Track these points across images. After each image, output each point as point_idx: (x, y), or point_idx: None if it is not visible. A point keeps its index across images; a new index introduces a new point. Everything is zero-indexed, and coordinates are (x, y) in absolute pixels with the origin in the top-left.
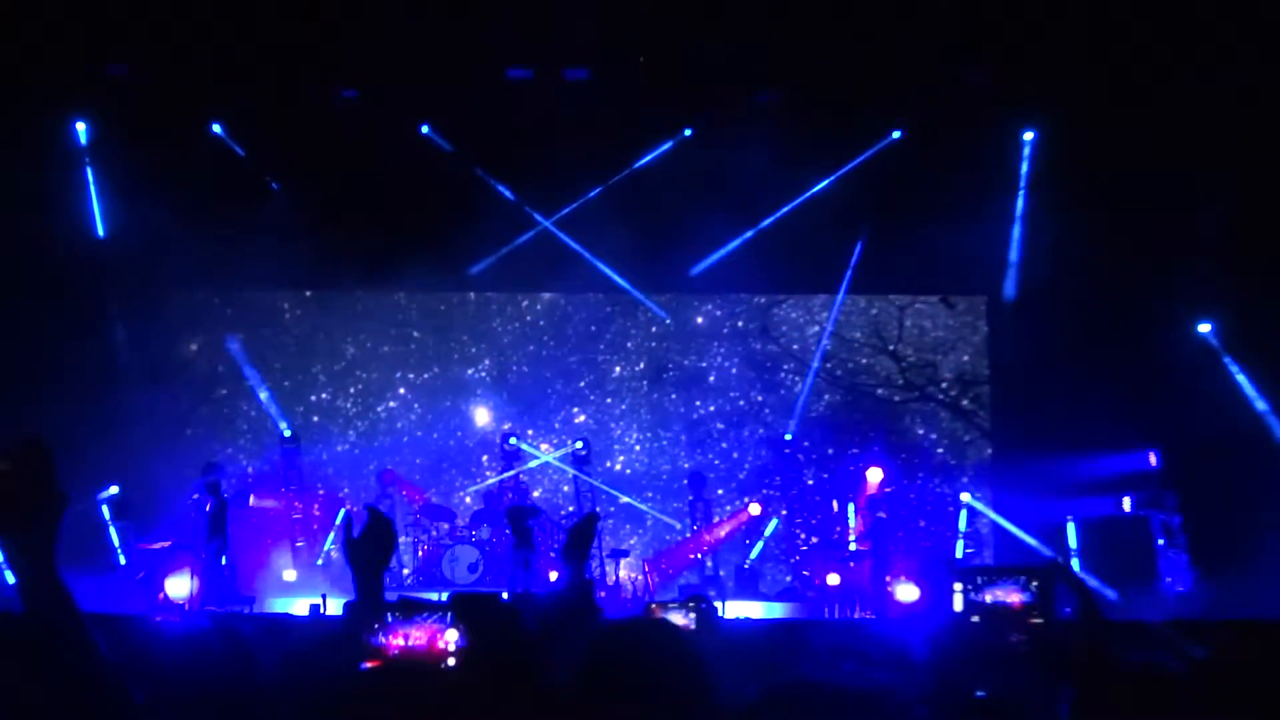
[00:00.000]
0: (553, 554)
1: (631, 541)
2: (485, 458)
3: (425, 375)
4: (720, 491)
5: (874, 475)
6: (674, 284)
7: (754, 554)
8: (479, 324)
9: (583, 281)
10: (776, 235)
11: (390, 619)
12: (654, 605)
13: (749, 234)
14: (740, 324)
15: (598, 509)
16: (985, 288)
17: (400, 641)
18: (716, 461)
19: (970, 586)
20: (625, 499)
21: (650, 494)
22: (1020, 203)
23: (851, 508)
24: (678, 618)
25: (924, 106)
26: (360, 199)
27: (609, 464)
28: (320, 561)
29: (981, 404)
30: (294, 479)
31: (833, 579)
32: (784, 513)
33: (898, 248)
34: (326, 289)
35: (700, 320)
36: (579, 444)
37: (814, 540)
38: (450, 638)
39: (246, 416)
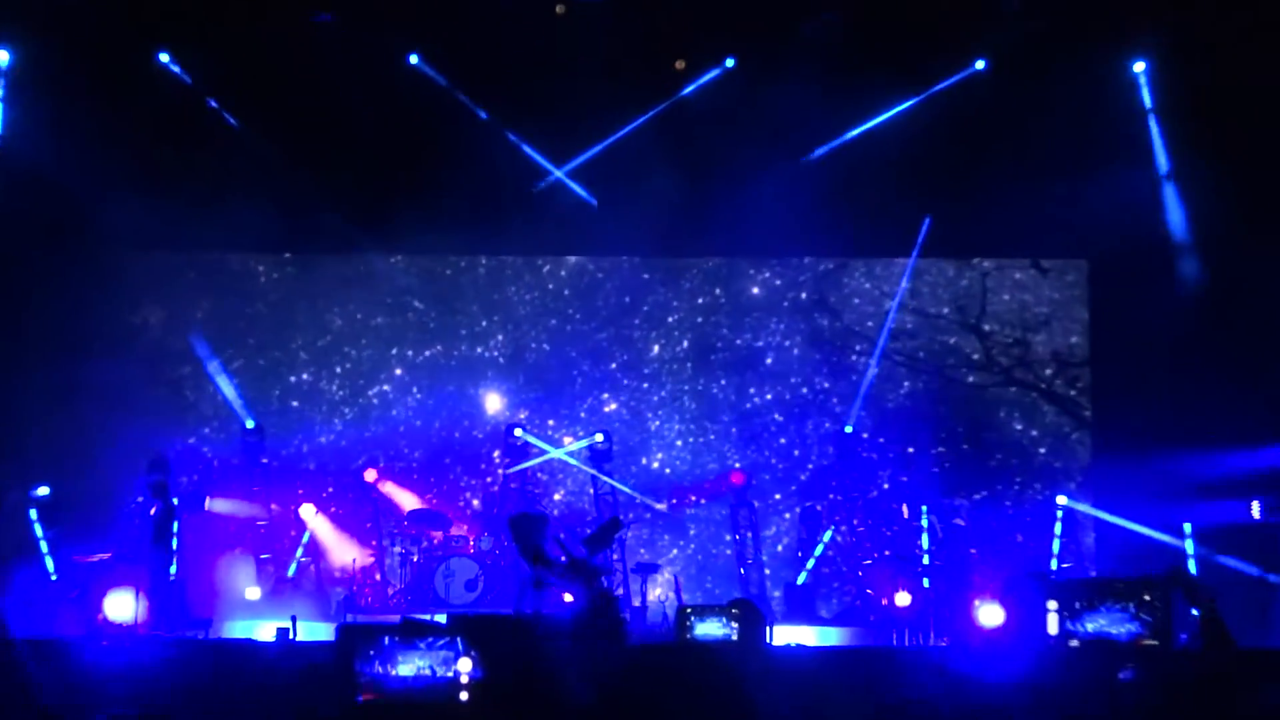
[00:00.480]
0: (561, 562)
1: (672, 554)
2: (496, 453)
3: (426, 353)
4: (778, 496)
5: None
6: (723, 246)
7: (807, 569)
8: (491, 293)
9: (615, 243)
10: (842, 187)
11: (388, 644)
12: (687, 610)
13: (808, 186)
14: (803, 295)
15: (620, 515)
16: (1086, 250)
17: (403, 671)
18: (774, 460)
19: (1068, 606)
20: (660, 505)
21: (694, 499)
22: (1131, 148)
23: (925, 513)
24: (714, 627)
25: (1013, 31)
26: (347, 144)
27: (644, 461)
28: (291, 573)
29: (1081, 389)
30: (259, 478)
31: (903, 598)
32: (841, 524)
33: (982, 202)
34: (308, 250)
35: (755, 290)
36: (599, 437)
37: (883, 553)
38: (463, 668)
39: (211, 401)
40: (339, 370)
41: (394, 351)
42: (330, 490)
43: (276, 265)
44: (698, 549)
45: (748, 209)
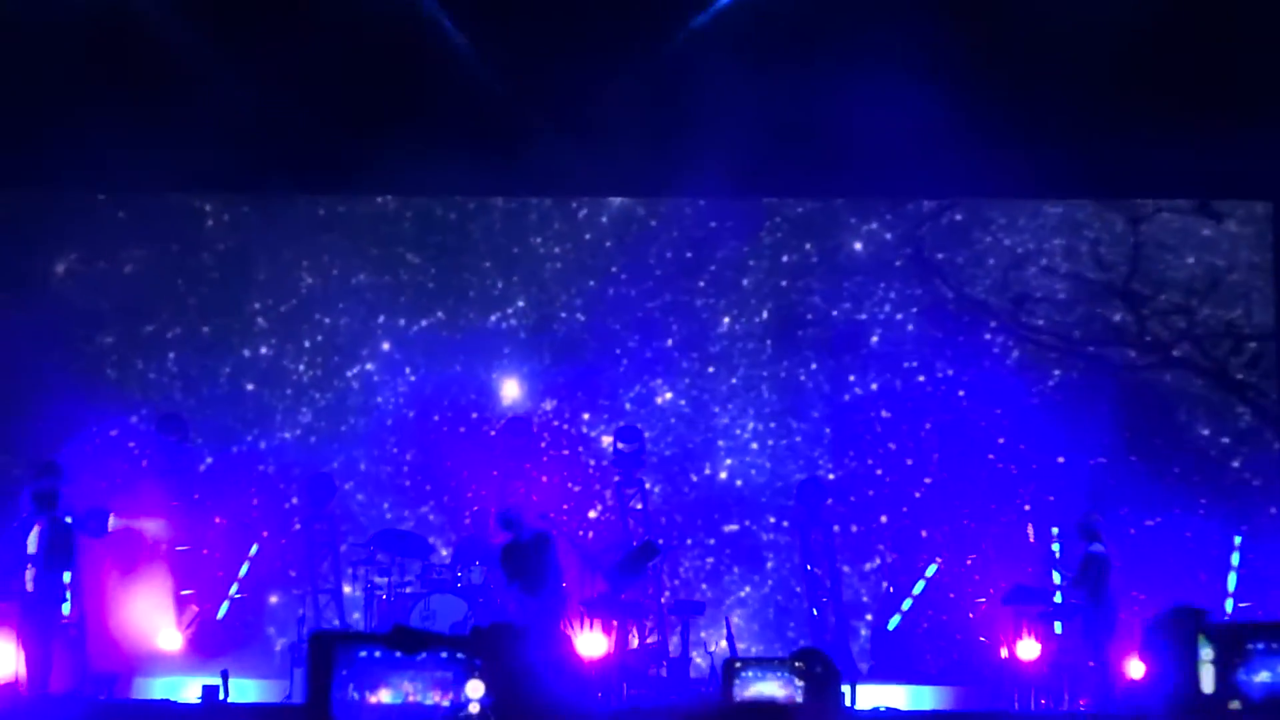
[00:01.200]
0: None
1: (743, 591)
2: (520, 465)
3: (423, 322)
4: (884, 519)
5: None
6: (817, 183)
7: (902, 611)
8: (509, 244)
9: (673, 178)
10: (976, 112)
11: (370, 660)
12: (736, 663)
13: (932, 110)
14: (921, 253)
15: (655, 539)
16: (1272, 189)
17: (387, 699)
18: (878, 470)
19: (1229, 655)
20: (730, 527)
21: (773, 519)
22: None
23: (1057, 537)
24: (773, 686)
25: None
26: (320, 50)
27: (707, 470)
28: (223, 614)
29: (1262, 370)
30: (181, 487)
31: (1028, 649)
32: (949, 554)
33: (1134, 126)
34: (270, 187)
35: (858, 246)
36: (622, 441)
37: (1002, 591)
38: (472, 693)
39: (140, 378)
40: (308, 343)
41: (380, 320)
42: (295, 501)
43: (228, 206)
44: (777, 585)
45: (852, 135)
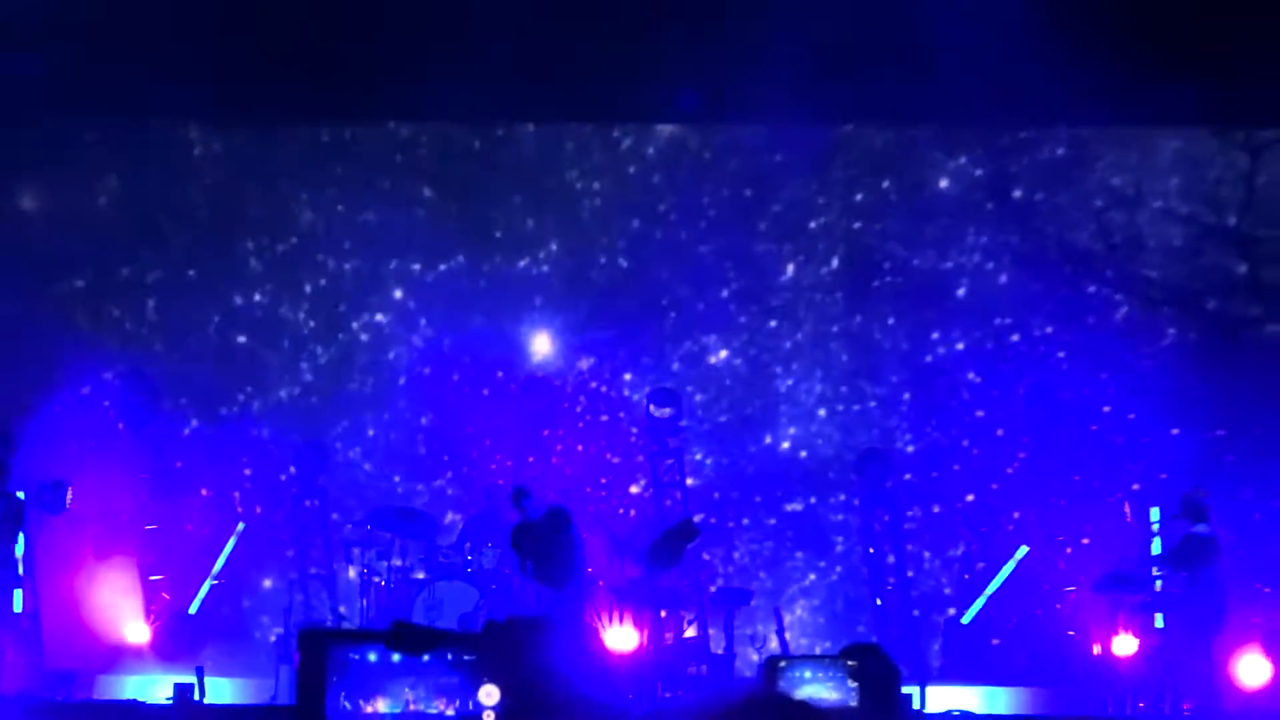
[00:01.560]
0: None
1: (807, 579)
2: (545, 432)
3: (441, 267)
4: (970, 498)
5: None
6: (897, 108)
7: (979, 603)
8: (541, 177)
9: (728, 103)
10: (1087, 22)
11: (366, 664)
12: (779, 661)
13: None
14: (1016, 192)
15: (694, 518)
16: None
17: (385, 708)
18: (964, 441)
19: None
20: (793, 505)
21: (842, 497)
22: None
23: (1157, 515)
24: (823, 690)
25: None
26: None
27: (767, 439)
28: (195, 609)
29: None
30: (152, 456)
31: (1124, 644)
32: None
33: (1267, 39)
34: (266, 117)
35: (944, 183)
36: (656, 405)
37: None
38: (486, 699)
39: (117, 328)
40: (308, 289)
41: (393, 264)
42: (292, 471)
43: (218, 132)
44: (847, 574)
45: (938, 52)
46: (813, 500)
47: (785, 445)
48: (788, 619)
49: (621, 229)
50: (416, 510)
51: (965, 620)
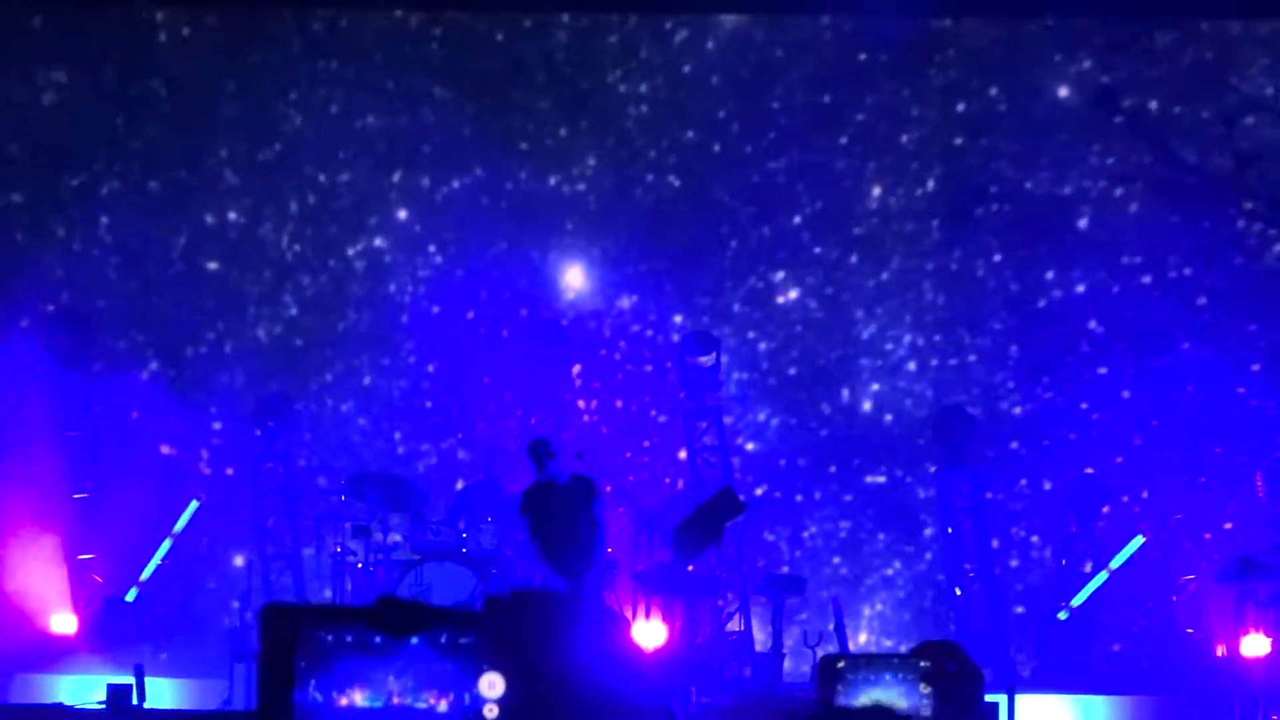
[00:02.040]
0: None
1: (891, 570)
2: (576, 368)
3: (455, 183)
4: (1089, 470)
5: None
6: None
7: (1081, 596)
8: (577, 78)
9: None
10: None
11: (339, 644)
12: (838, 661)
13: None
14: (1151, 103)
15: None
16: None
17: (363, 701)
18: (1083, 404)
19: None
20: (875, 478)
21: (934, 468)
22: None
23: None
24: (890, 696)
25: None
26: None
27: (845, 395)
28: (133, 596)
29: None
30: (84, 411)
31: (1253, 645)
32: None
33: None
34: None
35: (1063, 91)
36: (690, 352)
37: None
38: (488, 690)
39: (61, 250)
40: (294, 208)
41: (395, 177)
42: (270, 426)
43: (188, 15)
44: (938, 560)
45: None
46: (899, 473)
47: (866, 406)
48: (866, 613)
49: (673, 141)
50: (400, 476)
51: (1063, 616)
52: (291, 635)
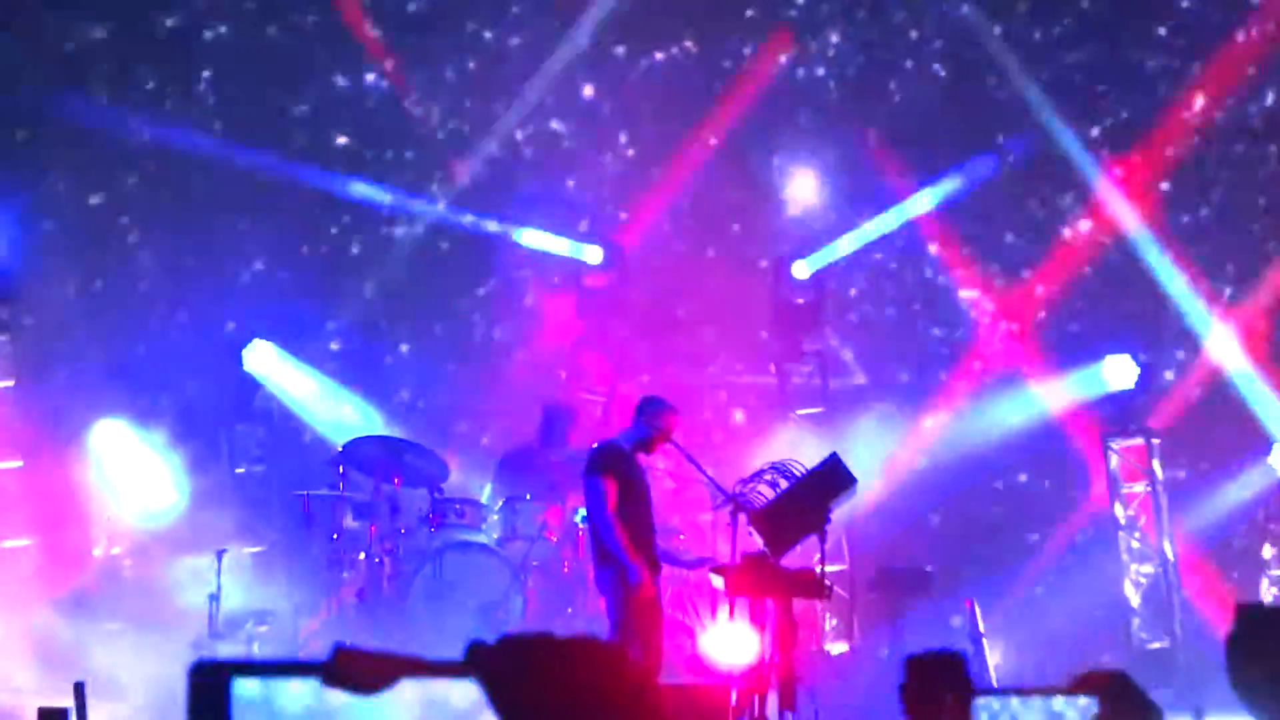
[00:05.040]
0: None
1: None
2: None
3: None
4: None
5: None
6: None
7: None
8: None
9: None
10: None
11: (304, 708)
12: (976, 695)
13: None
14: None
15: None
16: None
17: None
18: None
19: None
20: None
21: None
22: None
23: None
24: None
25: None
26: None
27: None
28: (81, 587)
29: None
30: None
31: None
32: None
33: None
34: None
35: None
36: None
37: None
38: None
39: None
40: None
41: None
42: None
43: None
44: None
45: None
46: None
47: None
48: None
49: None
50: (411, 443)
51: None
52: (223, 699)
